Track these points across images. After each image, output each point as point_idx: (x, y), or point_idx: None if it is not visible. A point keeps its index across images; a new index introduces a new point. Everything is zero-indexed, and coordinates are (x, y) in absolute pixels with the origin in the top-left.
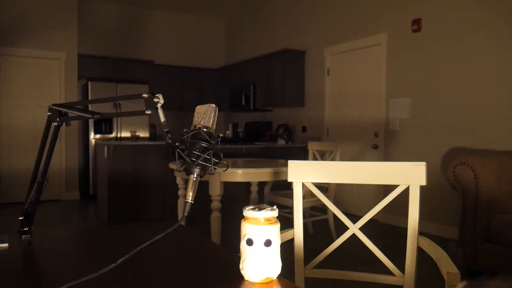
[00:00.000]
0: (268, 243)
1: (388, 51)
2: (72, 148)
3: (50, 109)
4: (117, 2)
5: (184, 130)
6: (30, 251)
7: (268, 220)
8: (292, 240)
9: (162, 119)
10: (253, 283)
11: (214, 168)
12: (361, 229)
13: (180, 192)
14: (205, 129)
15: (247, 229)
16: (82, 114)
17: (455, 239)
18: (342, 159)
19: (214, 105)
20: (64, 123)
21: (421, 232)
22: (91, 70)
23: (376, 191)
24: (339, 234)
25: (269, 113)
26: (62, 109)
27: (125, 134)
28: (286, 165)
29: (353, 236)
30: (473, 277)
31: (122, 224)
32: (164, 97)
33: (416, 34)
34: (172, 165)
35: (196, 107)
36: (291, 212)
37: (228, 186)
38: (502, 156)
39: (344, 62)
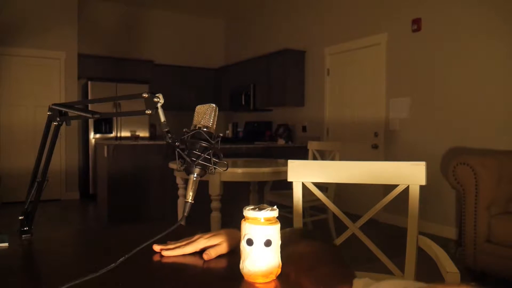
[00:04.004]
0: (268, 243)
1: (388, 51)
2: (72, 147)
3: (50, 109)
4: (117, 2)
5: (184, 130)
6: (30, 250)
7: (268, 220)
8: None
9: (162, 119)
10: (253, 283)
11: (214, 168)
12: (361, 228)
13: (180, 192)
14: (205, 129)
15: (247, 229)
16: (82, 114)
17: (455, 239)
18: (342, 159)
19: (214, 105)
20: (64, 123)
21: (421, 232)
22: (91, 70)
23: (376, 190)
24: (339, 234)
25: (269, 113)
26: (62, 108)
27: (125, 133)
28: (286, 164)
29: (353, 235)
30: (473, 277)
31: (122, 224)
32: (164, 97)
33: (416, 34)
34: (172, 165)
35: (196, 107)
36: (291, 212)
37: (228, 186)
38: (502, 156)
39: (344, 62)
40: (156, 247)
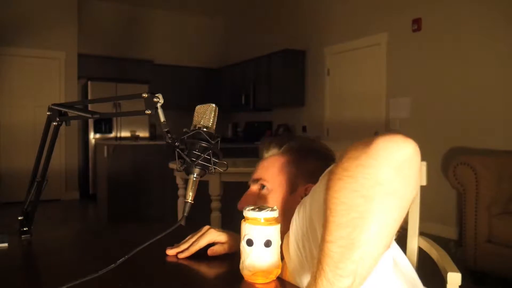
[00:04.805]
0: (268, 243)
1: (388, 51)
2: (72, 147)
3: (49, 109)
4: (117, 2)
5: (184, 130)
6: (30, 251)
7: (268, 221)
8: None
9: (162, 119)
10: (253, 284)
11: (214, 168)
12: None
13: (180, 192)
14: (205, 129)
15: (247, 230)
16: (82, 114)
17: (456, 239)
18: None
19: (214, 105)
20: (63, 123)
21: (421, 232)
22: (91, 70)
23: None
24: None
25: (269, 113)
26: (61, 108)
27: (125, 134)
28: None
29: None
30: (474, 277)
31: (122, 224)
32: (164, 97)
33: (416, 34)
34: (172, 165)
35: (196, 107)
36: None
37: (228, 186)
38: (502, 156)
39: (344, 62)
40: (170, 252)
